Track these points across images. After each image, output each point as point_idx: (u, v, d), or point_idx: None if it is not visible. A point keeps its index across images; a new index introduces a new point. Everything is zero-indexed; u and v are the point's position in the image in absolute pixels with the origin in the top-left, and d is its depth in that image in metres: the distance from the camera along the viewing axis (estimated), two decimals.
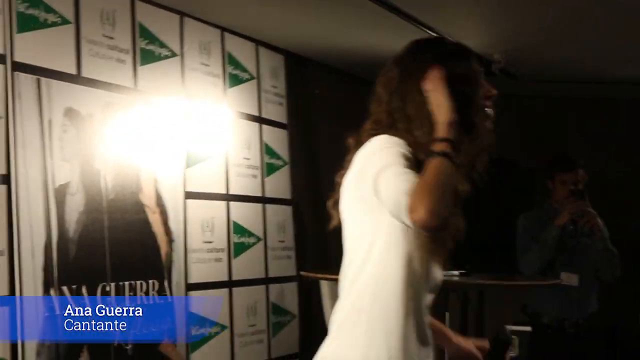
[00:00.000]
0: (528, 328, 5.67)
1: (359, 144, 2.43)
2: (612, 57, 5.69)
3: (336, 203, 2.44)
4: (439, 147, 2.24)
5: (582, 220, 5.06)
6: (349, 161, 2.43)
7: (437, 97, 2.34)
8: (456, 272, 4.26)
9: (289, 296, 5.37)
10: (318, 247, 5.99)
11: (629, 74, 6.09)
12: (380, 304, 2.25)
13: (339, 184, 2.44)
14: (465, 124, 2.36)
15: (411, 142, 2.32)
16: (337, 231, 6.86)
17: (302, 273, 5.04)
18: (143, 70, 4.26)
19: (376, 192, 2.24)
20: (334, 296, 5.56)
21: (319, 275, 5.04)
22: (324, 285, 5.39)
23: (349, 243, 2.42)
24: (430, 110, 2.33)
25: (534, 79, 6.28)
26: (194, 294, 4.52)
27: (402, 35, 4.88)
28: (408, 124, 2.38)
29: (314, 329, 5.54)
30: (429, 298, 2.33)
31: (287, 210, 5.41)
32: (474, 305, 6.85)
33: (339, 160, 6.84)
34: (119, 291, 4.01)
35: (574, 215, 5.06)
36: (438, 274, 2.35)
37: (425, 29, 4.82)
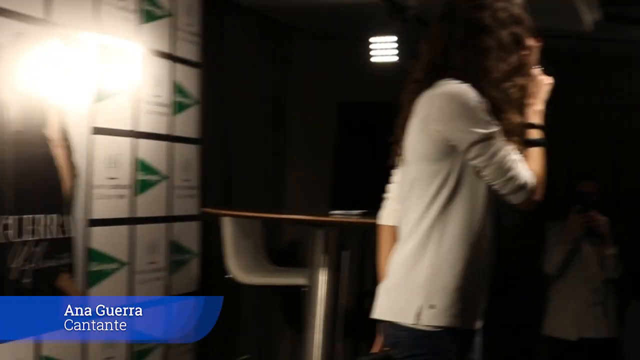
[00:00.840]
0: None
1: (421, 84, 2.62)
2: None
3: (397, 143, 2.74)
4: (538, 134, 2.61)
5: None
6: (410, 102, 2.66)
7: (539, 83, 2.63)
8: (356, 212, 4.19)
9: (190, 235, 5.28)
10: (222, 187, 5.91)
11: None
12: (445, 246, 2.53)
13: (402, 126, 2.69)
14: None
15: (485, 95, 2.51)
16: (242, 172, 6.73)
17: (204, 209, 4.95)
18: (56, 1, 4.04)
19: (473, 157, 2.49)
20: (235, 234, 5.48)
21: (222, 212, 4.96)
22: (226, 223, 5.32)
23: (414, 188, 2.62)
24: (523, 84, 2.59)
25: None
26: (95, 229, 4.39)
27: None
28: (488, 76, 2.54)
29: (214, 268, 5.48)
30: (484, 243, 2.58)
31: (194, 149, 5.28)
32: (373, 247, 6.88)
33: (249, 101, 6.58)
34: (20, 225, 3.86)
35: None
36: (490, 223, 2.60)
37: None
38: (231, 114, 5.96)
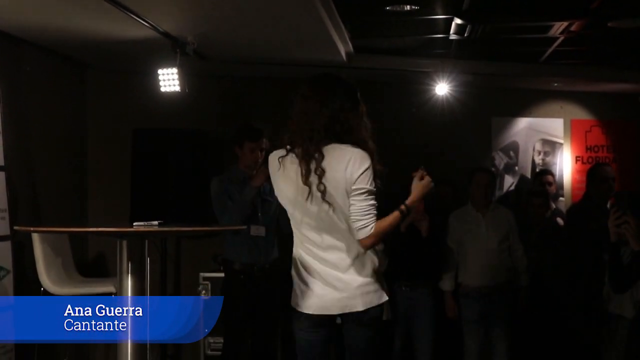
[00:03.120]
0: (221, 274, 5.85)
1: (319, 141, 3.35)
2: (279, 42, 5.97)
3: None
4: (403, 208, 3.43)
5: None
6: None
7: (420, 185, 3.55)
8: (155, 222, 4.31)
9: (3, 253, 5.22)
10: (31, 208, 5.87)
11: (297, 56, 6.44)
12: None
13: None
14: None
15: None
16: (48, 194, 6.64)
17: (16, 227, 4.91)
18: None
19: (351, 197, 3.32)
20: (45, 250, 5.44)
21: (30, 228, 4.95)
22: (36, 240, 5.31)
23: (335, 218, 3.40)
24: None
25: (222, 59, 6.46)
26: None
27: (108, 18, 4.91)
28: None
29: (27, 282, 5.44)
30: None
31: (0, 175, 5.24)
32: (172, 255, 7.00)
33: (51, 131, 6.55)
34: None
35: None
36: None
37: (127, 13, 4.84)
38: (34, 143, 5.95)
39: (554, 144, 8.16)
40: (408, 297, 5.78)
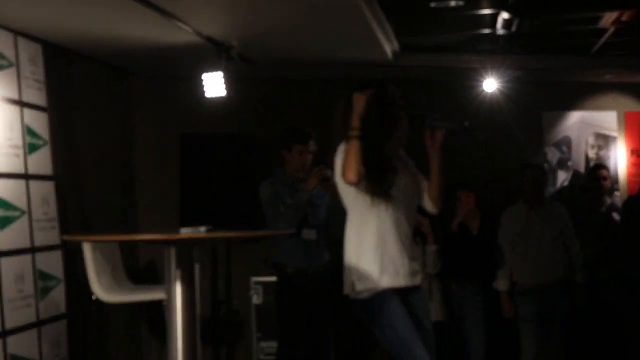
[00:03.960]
0: (273, 278, 5.79)
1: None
2: (324, 43, 5.90)
3: None
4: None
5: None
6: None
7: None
8: (203, 228, 4.26)
9: (54, 262, 5.26)
10: (81, 217, 5.89)
11: (343, 57, 6.36)
12: None
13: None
14: None
15: None
16: (97, 202, 6.69)
17: (65, 237, 4.92)
18: None
19: None
20: (96, 258, 5.46)
21: (79, 237, 4.94)
22: (86, 248, 5.31)
23: None
24: None
25: (266, 62, 6.40)
26: None
27: (150, 24, 4.90)
28: None
29: (79, 290, 5.46)
30: None
31: (49, 185, 5.26)
32: (222, 259, 6.97)
33: (98, 139, 6.58)
34: None
35: (320, 180, 5.18)
36: None
37: (170, 18, 4.82)
38: (82, 151, 5.97)
39: (608, 138, 7.94)
40: (459, 296, 5.71)
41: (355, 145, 3.66)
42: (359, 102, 3.72)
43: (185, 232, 4.06)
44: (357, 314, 3.86)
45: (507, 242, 5.71)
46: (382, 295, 3.76)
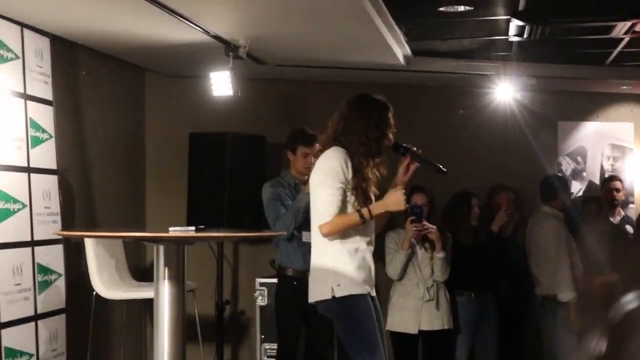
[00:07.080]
0: (274, 280, 5.76)
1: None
2: (333, 46, 5.80)
3: None
4: (365, 213, 4.01)
5: None
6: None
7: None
8: (192, 228, 4.22)
9: (55, 256, 5.20)
10: (85, 212, 5.86)
11: (353, 60, 6.25)
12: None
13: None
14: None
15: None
16: (103, 197, 6.66)
17: (54, 232, 4.87)
18: None
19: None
20: (97, 253, 5.41)
21: (72, 233, 4.90)
22: (88, 244, 5.26)
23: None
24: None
25: (276, 63, 6.31)
26: None
27: (158, 21, 4.85)
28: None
29: (80, 285, 5.42)
30: None
31: (52, 179, 5.22)
32: (229, 260, 6.92)
33: (106, 134, 6.53)
34: None
35: None
36: None
37: (176, 16, 4.76)
38: (90, 146, 5.93)
39: (624, 149, 7.76)
40: (473, 306, 5.65)
41: (356, 222, 4.01)
42: (398, 203, 4.02)
43: (174, 231, 4.02)
44: (325, 313, 4.20)
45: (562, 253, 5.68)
46: (364, 299, 4.08)
